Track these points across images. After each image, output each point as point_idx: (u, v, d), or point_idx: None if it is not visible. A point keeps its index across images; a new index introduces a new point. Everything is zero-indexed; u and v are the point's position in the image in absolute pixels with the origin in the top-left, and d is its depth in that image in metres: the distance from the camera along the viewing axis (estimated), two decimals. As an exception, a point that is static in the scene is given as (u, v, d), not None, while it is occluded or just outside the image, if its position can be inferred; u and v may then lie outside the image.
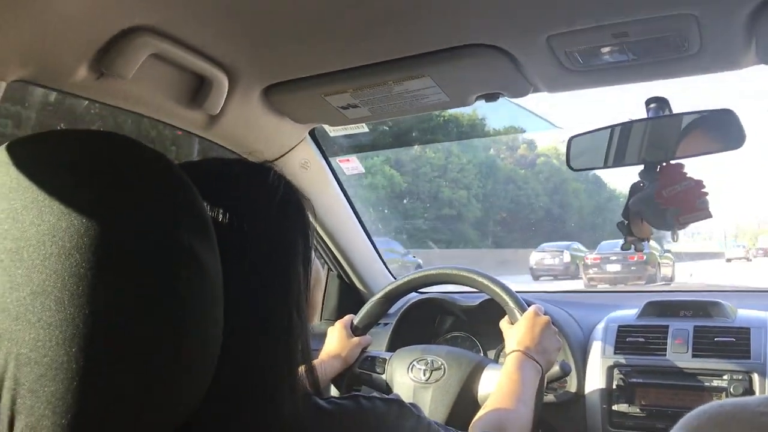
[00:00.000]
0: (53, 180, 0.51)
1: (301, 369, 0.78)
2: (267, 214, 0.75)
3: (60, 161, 0.53)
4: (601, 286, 13.70)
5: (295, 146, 1.56)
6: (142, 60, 1.04)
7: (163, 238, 0.53)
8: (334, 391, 1.57)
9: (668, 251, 18.35)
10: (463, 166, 27.70)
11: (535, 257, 19.13)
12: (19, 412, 0.47)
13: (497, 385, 1.22)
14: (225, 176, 0.77)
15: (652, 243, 16.29)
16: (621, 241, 1.41)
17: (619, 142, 1.37)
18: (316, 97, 1.31)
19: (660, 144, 1.32)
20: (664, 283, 16.20)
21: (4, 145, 0.54)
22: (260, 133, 1.43)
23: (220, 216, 0.71)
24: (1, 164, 0.52)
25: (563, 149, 1.44)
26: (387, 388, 1.48)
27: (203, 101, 1.23)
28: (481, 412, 1.14)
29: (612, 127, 1.36)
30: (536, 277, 18.43)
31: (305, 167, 1.62)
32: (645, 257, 16.16)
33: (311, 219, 0.81)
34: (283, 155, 1.54)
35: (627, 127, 1.35)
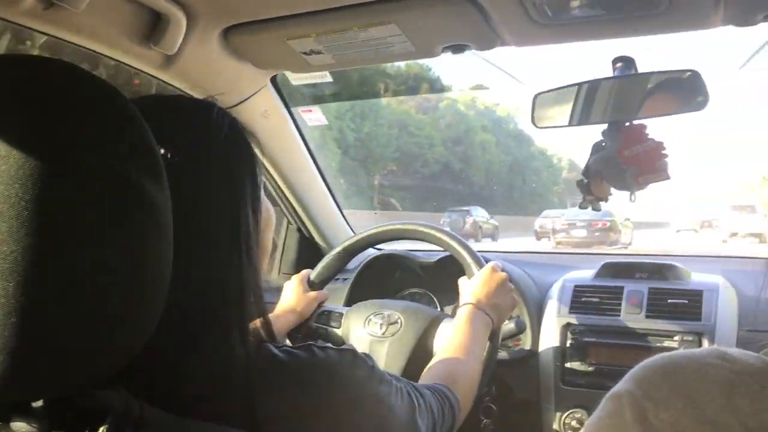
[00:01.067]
0: None
1: (257, 321, 0.76)
2: (211, 151, 0.71)
3: (3, 87, 0.49)
4: (568, 249, 14.31)
5: (256, 93, 1.51)
6: (93, -10, 0.99)
7: (110, 172, 0.50)
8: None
9: (628, 219, 20.06)
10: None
11: (539, 222, 21.44)
12: None
13: (448, 338, 1.22)
14: (166, 112, 0.73)
15: (614, 210, 17.41)
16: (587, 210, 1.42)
17: (585, 100, 1.36)
18: (278, 41, 1.26)
19: (624, 103, 1.31)
20: (622, 246, 17.20)
21: None
22: (219, 76, 1.38)
23: (166, 155, 0.67)
24: None
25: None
26: (342, 343, 1.47)
27: (159, 39, 1.18)
28: (431, 363, 1.15)
29: (578, 85, 1.35)
30: (539, 239, 20.40)
31: (266, 116, 1.58)
32: (608, 224, 17.77)
33: (259, 157, 0.78)
34: (243, 102, 1.50)
35: (593, 85, 1.34)
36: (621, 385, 0.52)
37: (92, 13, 1.05)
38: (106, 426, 0.51)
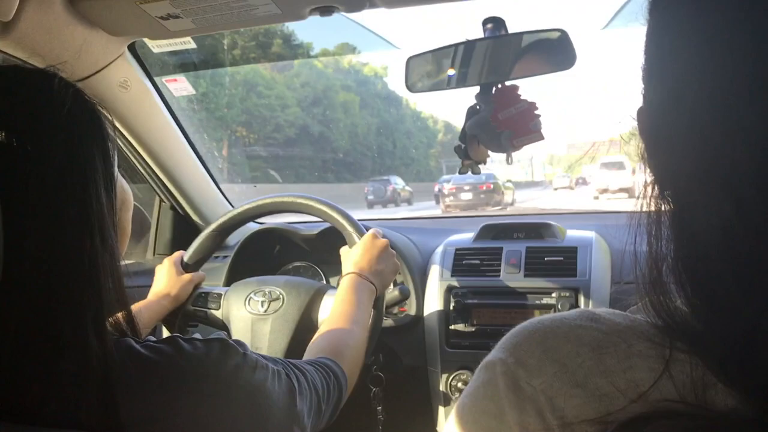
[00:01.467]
0: None
1: (120, 315, 0.72)
2: (52, 127, 0.65)
3: None
4: (456, 212, 14.97)
5: (111, 63, 1.37)
6: None
7: None
8: (166, 333, 1.48)
9: (510, 181, 22.00)
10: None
11: (438, 186, 22.38)
12: None
13: (332, 308, 1.20)
14: None
15: (497, 173, 19.10)
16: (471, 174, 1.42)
17: (459, 63, 1.34)
18: (129, 5, 1.16)
19: (496, 65, 1.31)
20: (500, 207, 19.09)
21: None
22: (66, 45, 1.24)
23: None
24: None
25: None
26: (223, 325, 1.41)
27: (-11, 3, 1.05)
28: (315, 336, 1.12)
29: (451, 48, 1.33)
30: (438, 202, 21.28)
31: (124, 86, 1.46)
32: (492, 186, 19.56)
33: (110, 131, 0.71)
34: (97, 72, 1.36)
35: (466, 47, 1.33)
36: (494, 354, 0.52)
37: None
38: None
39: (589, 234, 1.64)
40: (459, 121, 1.39)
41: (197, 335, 0.76)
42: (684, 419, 0.39)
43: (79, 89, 0.70)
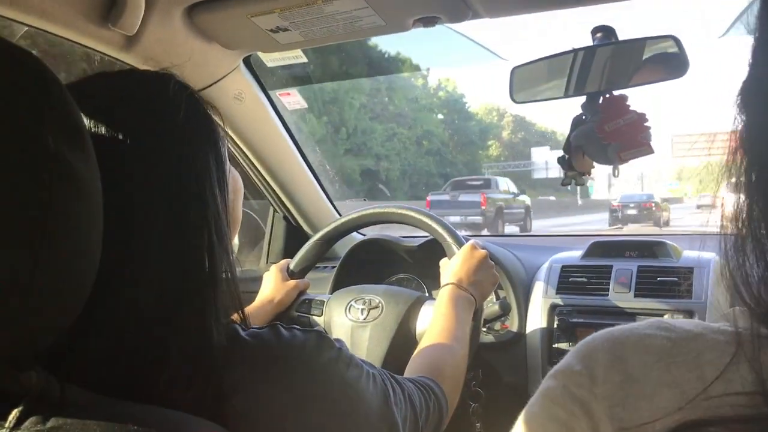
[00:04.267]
0: None
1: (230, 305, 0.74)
2: (170, 130, 0.68)
3: None
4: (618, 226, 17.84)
5: (227, 75, 1.46)
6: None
7: (22, 138, 0.47)
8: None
9: (666, 200, 25.23)
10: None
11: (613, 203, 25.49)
12: None
13: (431, 322, 1.19)
14: (118, 88, 0.70)
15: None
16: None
17: (565, 72, 1.31)
18: (241, 18, 1.22)
19: (605, 74, 1.26)
20: (664, 223, 21.24)
21: None
22: (185, 58, 1.33)
23: (118, 133, 0.64)
24: None
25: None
26: (325, 331, 1.44)
27: (117, 19, 1.13)
28: (415, 354, 1.11)
29: (557, 57, 1.30)
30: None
31: (239, 98, 1.54)
32: (653, 204, 23.11)
33: (221, 132, 0.75)
34: (213, 84, 1.45)
35: (573, 56, 1.29)
36: (563, 361, 0.51)
37: (41, -10, 1.01)
38: (20, 409, 0.47)
39: (709, 255, 1.53)
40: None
41: (296, 326, 0.77)
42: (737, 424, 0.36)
43: (193, 92, 0.73)
